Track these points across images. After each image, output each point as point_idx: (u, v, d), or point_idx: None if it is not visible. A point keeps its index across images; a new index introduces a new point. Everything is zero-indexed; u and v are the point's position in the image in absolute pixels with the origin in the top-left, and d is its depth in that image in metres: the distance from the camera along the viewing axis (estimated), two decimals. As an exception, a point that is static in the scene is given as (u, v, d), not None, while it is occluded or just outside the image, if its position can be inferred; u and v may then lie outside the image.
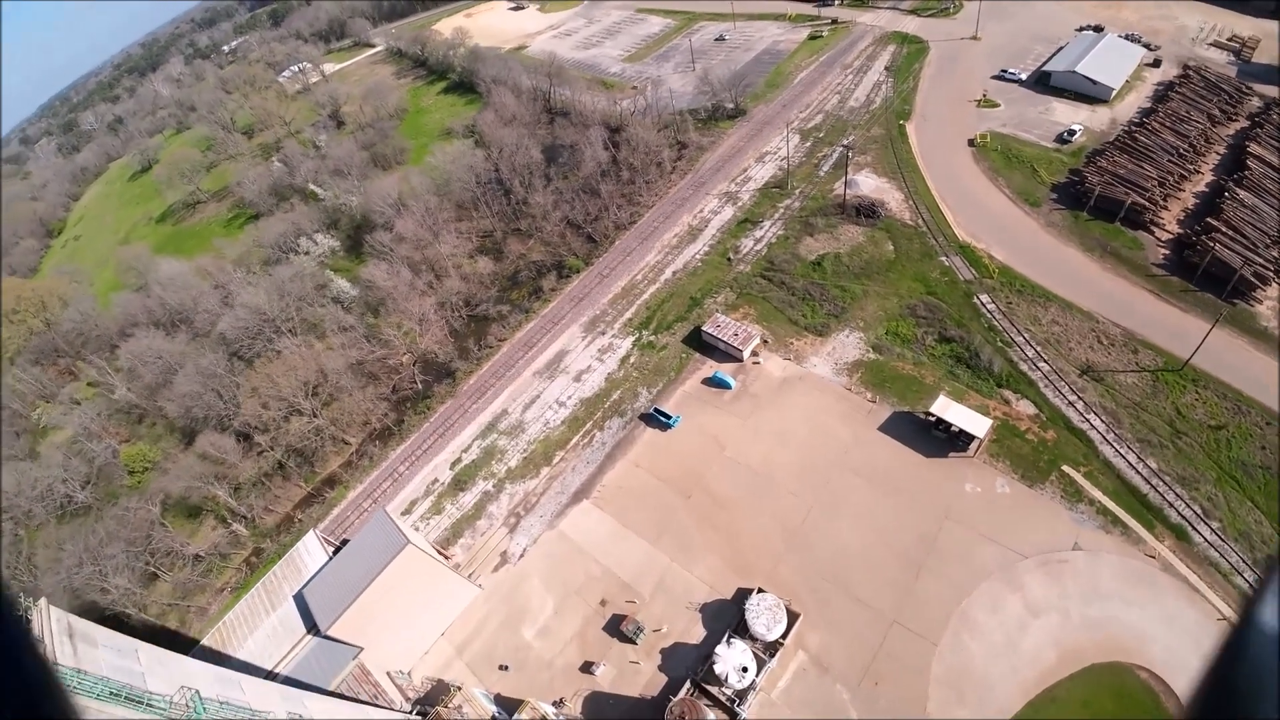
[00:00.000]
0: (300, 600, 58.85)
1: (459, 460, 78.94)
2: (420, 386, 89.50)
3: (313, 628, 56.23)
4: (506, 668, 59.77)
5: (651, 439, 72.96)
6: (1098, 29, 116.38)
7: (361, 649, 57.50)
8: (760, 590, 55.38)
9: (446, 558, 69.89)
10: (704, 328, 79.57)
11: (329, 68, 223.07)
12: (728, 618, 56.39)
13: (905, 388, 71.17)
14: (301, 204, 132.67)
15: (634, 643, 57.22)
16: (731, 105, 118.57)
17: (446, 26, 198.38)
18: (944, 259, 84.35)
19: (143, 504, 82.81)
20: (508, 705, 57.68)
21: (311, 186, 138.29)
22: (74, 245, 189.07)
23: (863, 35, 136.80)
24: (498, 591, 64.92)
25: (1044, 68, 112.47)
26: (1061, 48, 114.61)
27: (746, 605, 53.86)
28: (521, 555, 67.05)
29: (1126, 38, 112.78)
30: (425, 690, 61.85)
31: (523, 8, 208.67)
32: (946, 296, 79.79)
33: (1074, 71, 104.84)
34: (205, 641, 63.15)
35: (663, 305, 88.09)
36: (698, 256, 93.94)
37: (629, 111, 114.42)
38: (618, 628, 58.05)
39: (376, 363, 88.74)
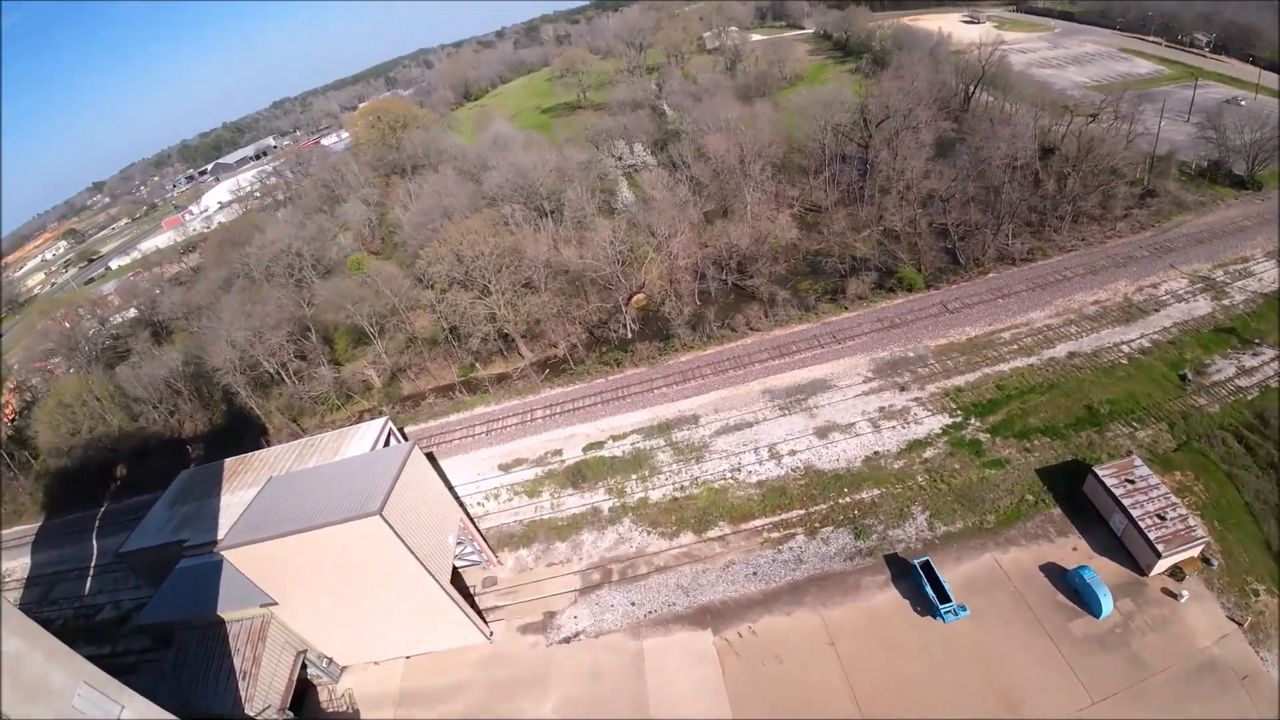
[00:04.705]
0: (267, 491, 38.75)
1: (598, 445, 52.86)
2: (628, 333, 65.31)
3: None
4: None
5: (886, 613, 36.38)
6: None
7: (274, 603, 35.60)
8: None
9: (491, 563, 44.67)
10: (1096, 469, 39.08)
11: (755, 37, 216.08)
12: None
13: None
14: (648, 118, 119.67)
15: None
16: (1242, 173, 70.22)
17: (886, 21, 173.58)
18: None
19: (296, 298, 74.62)
20: None
21: (665, 105, 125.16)
22: (476, 109, 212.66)
23: None
24: (502, 662, 37.56)
25: None
26: None
27: None
28: (565, 641, 38.19)
29: None
30: (331, 707, 38.50)
31: (978, 22, 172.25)
32: None
33: None
34: (227, 460, 51.25)
35: (1028, 395, 48.62)
36: (1126, 346, 51.35)
37: (1085, 121, 72.28)
38: None
39: (588, 277, 66.55)
